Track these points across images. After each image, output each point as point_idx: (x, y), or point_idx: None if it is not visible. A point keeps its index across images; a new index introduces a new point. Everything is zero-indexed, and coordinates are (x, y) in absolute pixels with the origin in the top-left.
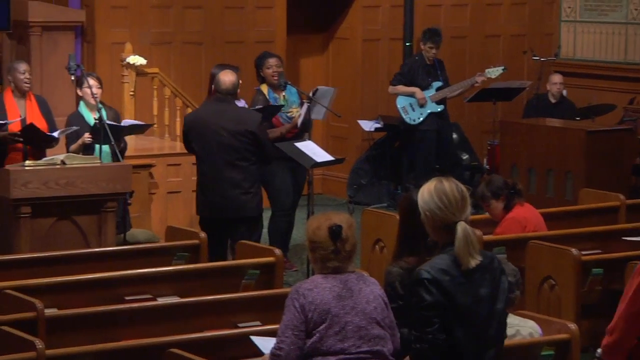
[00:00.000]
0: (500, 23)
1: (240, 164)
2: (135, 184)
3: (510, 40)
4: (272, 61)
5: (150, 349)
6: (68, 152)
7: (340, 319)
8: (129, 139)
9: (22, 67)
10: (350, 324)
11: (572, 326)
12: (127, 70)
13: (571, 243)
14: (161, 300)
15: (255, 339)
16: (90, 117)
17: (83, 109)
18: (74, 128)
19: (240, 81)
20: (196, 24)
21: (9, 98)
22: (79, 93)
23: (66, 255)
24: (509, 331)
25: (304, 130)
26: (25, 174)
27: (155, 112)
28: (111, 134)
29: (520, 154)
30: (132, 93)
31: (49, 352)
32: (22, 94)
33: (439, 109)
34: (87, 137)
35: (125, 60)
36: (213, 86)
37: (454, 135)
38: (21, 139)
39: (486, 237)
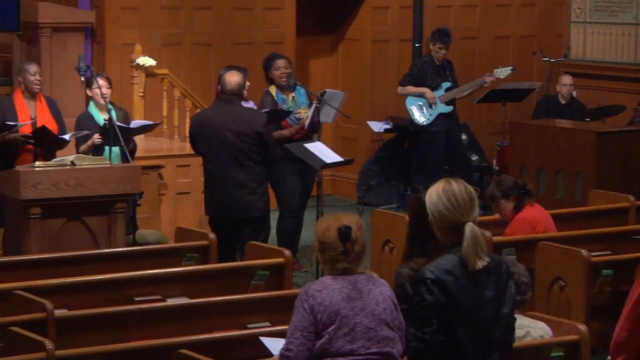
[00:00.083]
0: (510, 24)
1: (246, 164)
2: (144, 185)
3: (520, 41)
4: (280, 62)
5: (159, 350)
6: (78, 153)
7: (350, 320)
8: (139, 140)
9: (33, 68)
10: (359, 325)
11: (582, 327)
12: (136, 72)
13: (581, 244)
14: (170, 301)
15: (265, 340)
16: (100, 118)
17: (93, 109)
18: (85, 132)
19: (249, 83)
20: (206, 25)
21: (20, 99)
22: (89, 93)
23: (76, 256)
24: (519, 332)
25: (313, 132)
26: (35, 175)
27: (164, 113)
28: (120, 135)
29: (529, 155)
30: (141, 94)
31: (59, 352)
32: (32, 95)
33: (448, 110)
34: (96, 138)
35: (134, 62)
36: (219, 87)
37: (463, 136)
38: (32, 141)
39: (496, 238)
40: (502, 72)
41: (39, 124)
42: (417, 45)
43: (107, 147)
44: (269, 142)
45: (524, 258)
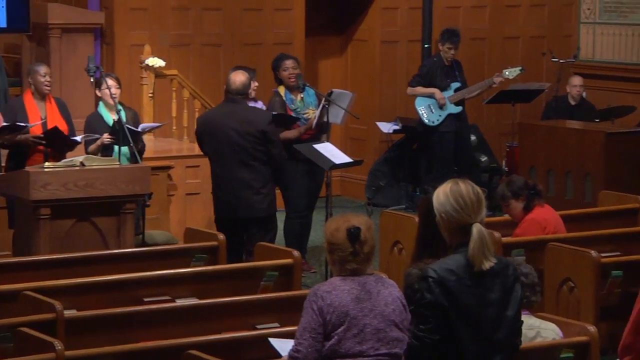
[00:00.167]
0: (519, 24)
1: (251, 164)
2: (154, 186)
3: (529, 42)
4: (288, 63)
5: (168, 351)
6: (87, 153)
7: (359, 321)
8: (148, 141)
9: (43, 69)
10: (368, 326)
11: (592, 328)
12: (146, 72)
13: (590, 245)
14: (180, 302)
15: (273, 341)
16: (110, 118)
17: (102, 109)
18: (96, 136)
19: (257, 83)
20: (215, 26)
21: (30, 100)
22: (98, 94)
23: (85, 257)
24: (530, 333)
25: (321, 132)
26: (45, 176)
27: (174, 113)
28: (129, 135)
29: (539, 155)
30: (151, 95)
31: (68, 353)
32: (42, 96)
33: (457, 111)
34: (106, 137)
35: (144, 62)
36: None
37: (473, 137)
38: (43, 142)
39: (505, 239)
40: (511, 73)
41: (49, 125)
42: (426, 46)
43: (116, 148)
44: (274, 140)
45: (534, 259)
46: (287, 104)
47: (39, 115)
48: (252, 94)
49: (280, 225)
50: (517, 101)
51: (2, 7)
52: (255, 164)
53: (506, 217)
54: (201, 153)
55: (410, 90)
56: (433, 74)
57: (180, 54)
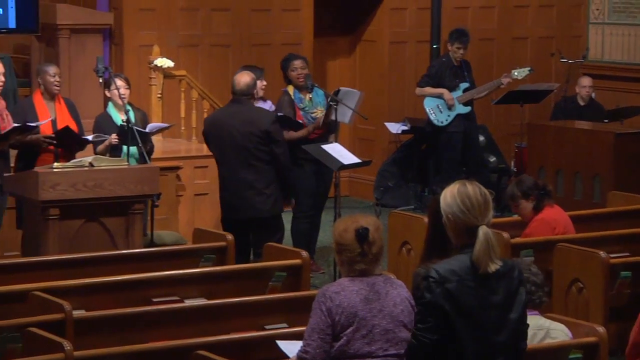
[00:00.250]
0: (528, 25)
1: (254, 164)
2: (162, 186)
3: (538, 43)
4: (297, 63)
5: (177, 351)
6: (95, 153)
7: (368, 322)
8: (157, 142)
9: (52, 69)
10: (377, 327)
11: (600, 329)
12: (154, 73)
13: (599, 246)
14: (188, 302)
15: (281, 344)
16: (119, 118)
17: (111, 109)
18: (106, 137)
19: (265, 82)
20: (223, 27)
21: (39, 100)
22: (108, 94)
23: (94, 257)
24: (540, 333)
25: (329, 132)
26: (54, 176)
27: (182, 114)
28: (138, 135)
29: (547, 156)
30: (159, 95)
31: (77, 353)
32: (51, 96)
33: (466, 111)
34: (113, 138)
35: (152, 63)
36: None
37: (481, 138)
38: (55, 142)
39: (514, 240)
40: (520, 73)
41: (58, 125)
42: (434, 46)
43: (124, 148)
44: (277, 140)
45: (542, 259)
46: (295, 102)
47: (49, 116)
48: (261, 93)
49: (288, 225)
50: (525, 102)
51: (12, 7)
52: (258, 164)
53: (515, 217)
54: (209, 154)
55: (418, 90)
56: (442, 75)
57: (188, 55)
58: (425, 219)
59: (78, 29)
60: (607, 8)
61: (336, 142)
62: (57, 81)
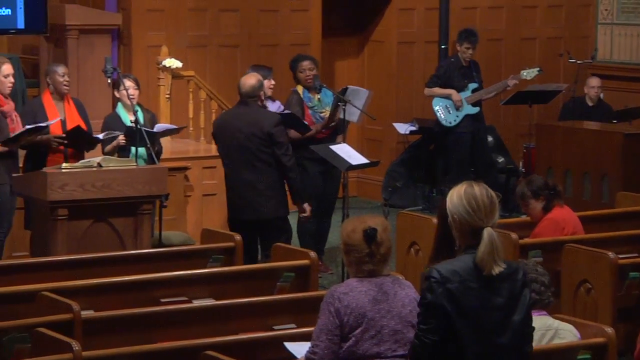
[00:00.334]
0: (537, 25)
1: (256, 166)
2: (170, 187)
3: (547, 43)
4: (305, 64)
5: (185, 351)
6: (103, 153)
7: (376, 322)
8: (165, 142)
9: (61, 69)
10: (386, 327)
11: (609, 330)
12: (163, 73)
13: (608, 246)
14: (196, 303)
15: (289, 345)
16: (128, 119)
17: (121, 110)
18: (117, 133)
19: (273, 82)
20: (232, 27)
21: (48, 100)
22: (117, 95)
23: (102, 258)
24: (548, 333)
25: (337, 133)
26: (62, 177)
27: (190, 114)
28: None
29: (556, 156)
30: (167, 96)
31: (85, 353)
32: (60, 96)
33: (475, 111)
34: (121, 139)
35: (161, 63)
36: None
37: (490, 138)
38: (65, 142)
39: (522, 241)
40: (529, 74)
41: (68, 126)
42: (442, 46)
43: (132, 149)
44: (278, 142)
45: (551, 260)
46: (304, 101)
47: (58, 116)
48: (269, 92)
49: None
50: (534, 102)
51: (20, 8)
52: (261, 165)
53: (523, 218)
54: (218, 154)
55: (427, 91)
56: (450, 75)
57: (197, 55)
58: (434, 220)
59: (86, 30)
60: (616, 8)
61: (344, 142)
62: (67, 81)
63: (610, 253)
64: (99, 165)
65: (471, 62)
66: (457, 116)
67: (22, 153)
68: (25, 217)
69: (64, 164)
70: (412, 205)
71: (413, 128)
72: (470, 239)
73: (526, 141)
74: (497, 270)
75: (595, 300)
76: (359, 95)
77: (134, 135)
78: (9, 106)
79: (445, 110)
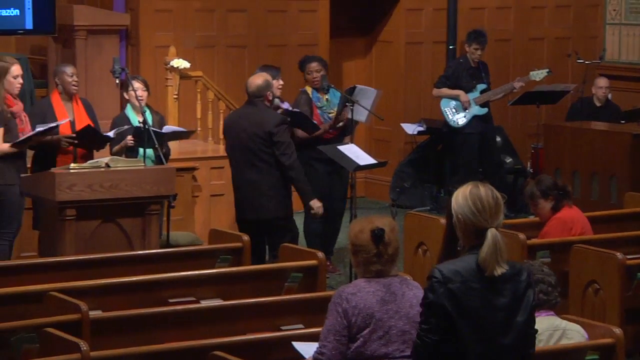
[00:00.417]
0: (545, 26)
1: (258, 166)
2: (178, 187)
3: (555, 43)
4: (312, 66)
5: (193, 352)
6: (111, 154)
7: (384, 323)
8: (173, 142)
9: (70, 70)
10: (394, 328)
11: (617, 330)
12: (171, 74)
13: (616, 247)
14: (204, 303)
15: (297, 345)
16: (136, 120)
17: (129, 111)
18: (127, 127)
19: (282, 82)
20: (240, 28)
21: (57, 100)
22: (126, 96)
23: (110, 258)
24: (555, 334)
25: (344, 134)
26: (70, 177)
27: (198, 115)
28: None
29: (564, 157)
30: (175, 96)
31: (94, 354)
32: (69, 96)
33: (483, 112)
34: (129, 139)
35: (169, 64)
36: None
37: (498, 139)
38: (76, 142)
39: (530, 241)
40: (538, 75)
41: (77, 126)
42: (451, 47)
43: (140, 150)
44: (277, 142)
45: (559, 261)
46: (313, 101)
47: (67, 116)
48: (277, 92)
49: (301, 228)
50: (542, 102)
51: (29, 9)
52: (263, 165)
53: (531, 218)
54: (225, 154)
55: (435, 91)
56: (458, 76)
57: (205, 56)
58: (442, 220)
59: (95, 30)
60: (624, 8)
61: (352, 143)
62: (75, 81)
63: (618, 254)
64: (107, 165)
65: (480, 63)
66: (465, 117)
67: (29, 153)
68: (33, 217)
69: (72, 164)
70: (419, 205)
71: (421, 128)
72: (474, 240)
73: (534, 142)
74: (499, 271)
75: (603, 300)
76: (367, 95)
77: (142, 135)
78: (18, 107)
79: (453, 110)
